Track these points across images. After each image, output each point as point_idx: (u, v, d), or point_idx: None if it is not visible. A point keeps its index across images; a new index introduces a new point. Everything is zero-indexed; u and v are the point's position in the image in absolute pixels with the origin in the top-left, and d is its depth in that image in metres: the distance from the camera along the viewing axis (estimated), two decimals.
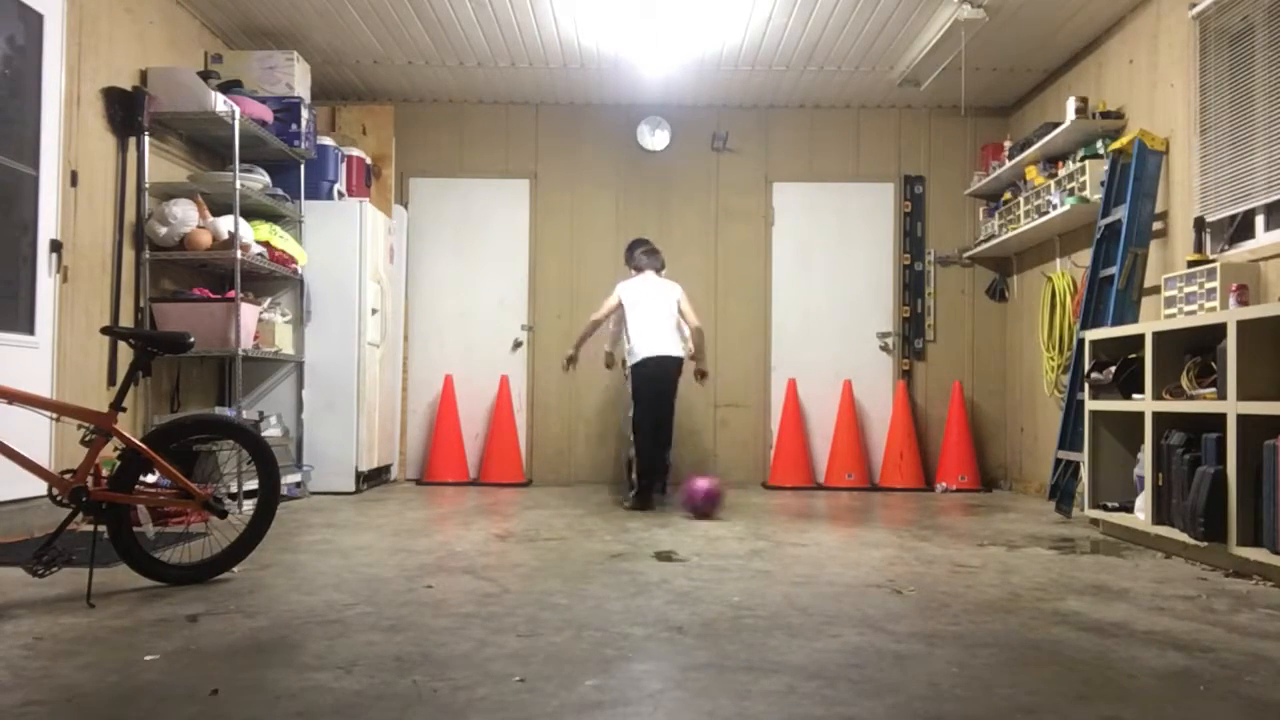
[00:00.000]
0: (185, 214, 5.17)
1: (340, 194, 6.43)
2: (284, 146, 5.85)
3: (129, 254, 5.04)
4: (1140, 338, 4.42)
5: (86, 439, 3.10)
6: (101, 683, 2.17)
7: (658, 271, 6.06)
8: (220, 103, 5.21)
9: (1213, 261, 4.49)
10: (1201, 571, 3.75)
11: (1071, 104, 5.68)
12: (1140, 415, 4.35)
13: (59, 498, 3.06)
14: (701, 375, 6.05)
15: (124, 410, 3.22)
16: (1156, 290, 4.98)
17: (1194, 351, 4.12)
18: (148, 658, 2.36)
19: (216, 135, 5.55)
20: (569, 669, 2.30)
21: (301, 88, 6.11)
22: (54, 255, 4.46)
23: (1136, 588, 3.41)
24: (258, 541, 3.45)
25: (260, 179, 5.59)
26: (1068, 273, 6.18)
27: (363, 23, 5.95)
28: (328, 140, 6.47)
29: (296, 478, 5.89)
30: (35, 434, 4.13)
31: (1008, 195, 6.73)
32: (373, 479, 6.60)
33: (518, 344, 7.44)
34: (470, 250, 7.45)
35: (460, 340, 7.40)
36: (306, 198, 6.17)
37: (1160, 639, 2.67)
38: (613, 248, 7.26)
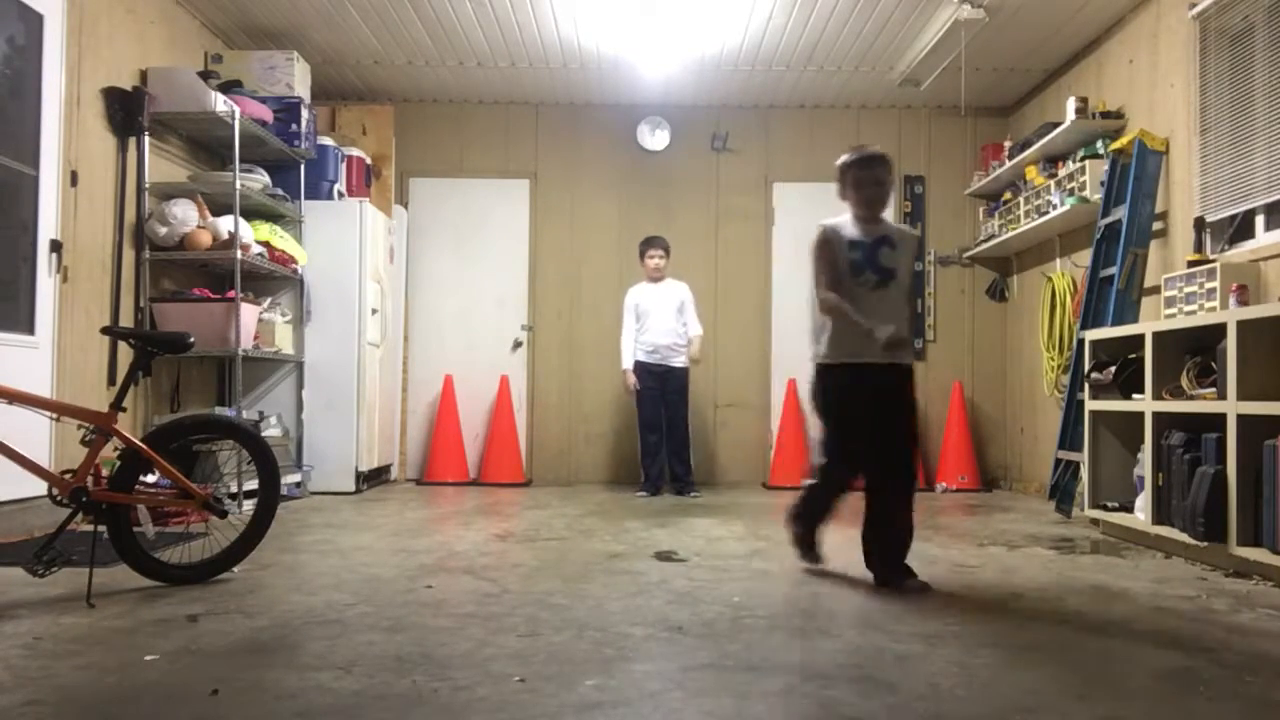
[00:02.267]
0: (185, 214, 5.17)
1: (340, 194, 6.43)
2: (284, 146, 5.84)
3: (129, 254, 5.04)
4: (1140, 338, 4.42)
5: (86, 439, 3.10)
6: (101, 683, 2.17)
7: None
8: (220, 103, 5.21)
9: (1213, 261, 4.49)
10: (1201, 571, 3.75)
11: (1071, 104, 5.68)
12: (1140, 415, 4.35)
13: (59, 498, 3.06)
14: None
15: (124, 410, 3.22)
16: (1156, 290, 4.98)
17: (1194, 351, 4.11)
18: (148, 658, 2.36)
19: (216, 135, 5.55)
20: (569, 669, 2.30)
21: (301, 88, 6.11)
22: (54, 255, 4.46)
23: (1136, 588, 3.41)
24: (258, 541, 3.45)
25: (260, 179, 5.59)
26: (1068, 273, 6.18)
27: (363, 23, 5.94)
28: (328, 140, 6.47)
29: (296, 478, 5.89)
30: (35, 434, 4.12)
31: (1008, 195, 6.73)
32: (373, 479, 6.60)
33: (518, 344, 7.43)
34: (470, 250, 7.44)
35: (460, 340, 7.40)
36: (306, 198, 6.17)
37: (1160, 639, 2.67)
38: (613, 248, 7.27)
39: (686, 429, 6.48)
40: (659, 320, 6.44)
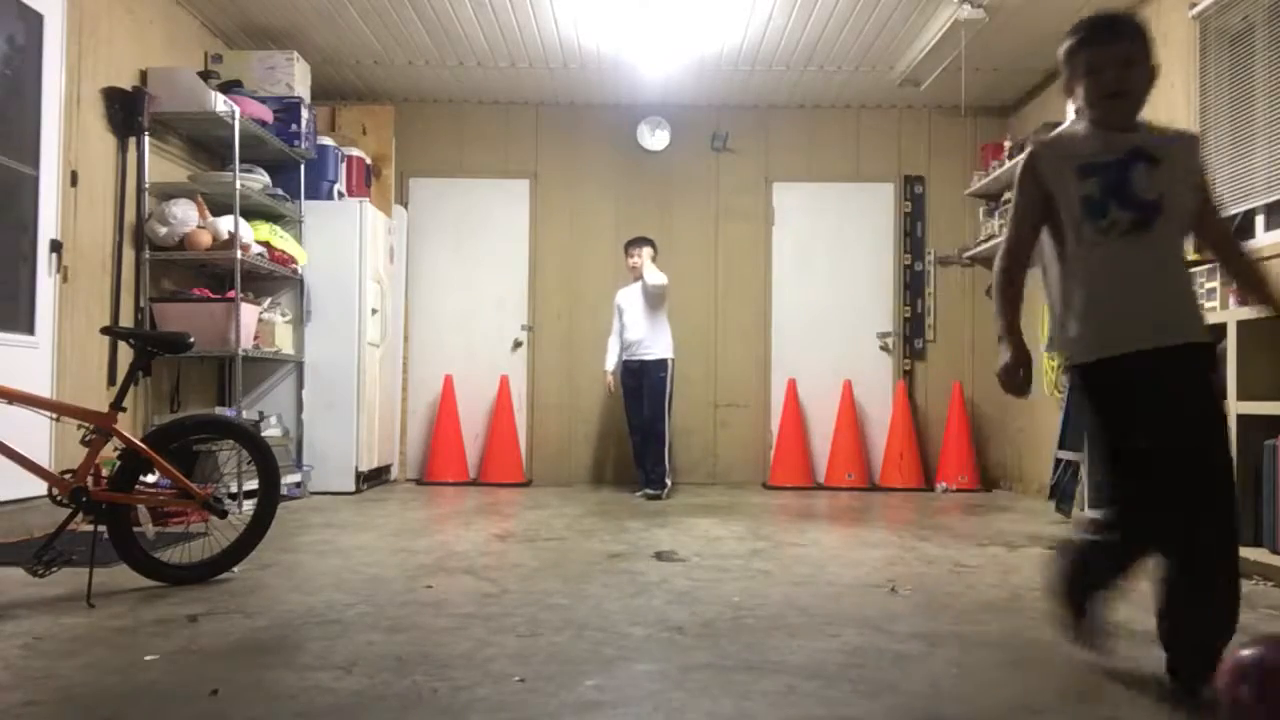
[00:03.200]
0: (185, 214, 5.17)
1: (340, 194, 6.43)
2: (284, 146, 5.84)
3: (129, 254, 5.04)
4: None
5: (86, 439, 3.10)
6: (101, 683, 2.17)
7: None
8: (220, 103, 5.20)
9: (1213, 261, 4.49)
10: None
11: (1071, 104, 5.67)
12: None
13: (59, 498, 3.06)
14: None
15: (124, 410, 3.22)
16: None
17: None
18: (148, 658, 2.36)
19: (216, 135, 5.54)
20: (569, 669, 2.30)
21: (301, 88, 6.11)
22: (54, 255, 4.46)
23: (1136, 587, 3.40)
24: (258, 541, 3.45)
25: (260, 179, 5.58)
26: None
27: (363, 23, 5.94)
28: (328, 140, 6.47)
29: (296, 478, 5.89)
30: (35, 434, 4.12)
31: (1008, 195, 6.73)
32: (373, 479, 6.60)
33: (518, 344, 7.43)
34: (470, 250, 7.44)
35: (460, 340, 7.39)
36: (306, 198, 6.17)
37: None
38: (613, 248, 7.26)
39: (660, 425, 6.36)
40: (631, 317, 6.46)
